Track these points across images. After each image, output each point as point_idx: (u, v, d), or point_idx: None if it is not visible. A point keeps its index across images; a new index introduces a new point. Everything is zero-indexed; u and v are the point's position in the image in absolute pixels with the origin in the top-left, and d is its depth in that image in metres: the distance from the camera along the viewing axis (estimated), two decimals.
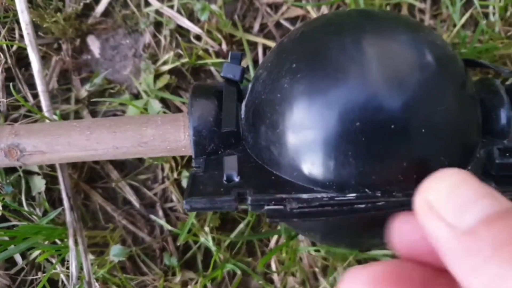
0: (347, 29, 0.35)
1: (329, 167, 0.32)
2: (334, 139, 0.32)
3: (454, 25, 0.53)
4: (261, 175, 0.36)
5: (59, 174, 0.49)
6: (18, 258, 0.51)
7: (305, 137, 0.33)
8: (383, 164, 0.32)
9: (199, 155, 0.39)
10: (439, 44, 0.36)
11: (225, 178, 0.35)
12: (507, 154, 0.33)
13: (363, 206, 0.32)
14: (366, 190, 0.32)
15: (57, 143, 0.42)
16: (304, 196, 0.33)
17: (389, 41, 0.34)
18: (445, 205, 0.23)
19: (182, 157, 0.51)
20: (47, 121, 0.49)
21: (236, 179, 0.35)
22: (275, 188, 0.34)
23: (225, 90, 0.40)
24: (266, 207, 0.33)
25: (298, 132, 0.33)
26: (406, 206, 0.31)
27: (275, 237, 0.51)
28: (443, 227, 0.22)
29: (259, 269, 0.47)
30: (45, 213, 0.51)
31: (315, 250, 0.50)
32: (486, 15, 0.54)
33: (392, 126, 0.31)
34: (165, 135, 0.41)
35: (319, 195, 0.33)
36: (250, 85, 0.40)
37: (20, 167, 0.50)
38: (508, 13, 0.54)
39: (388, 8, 0.53)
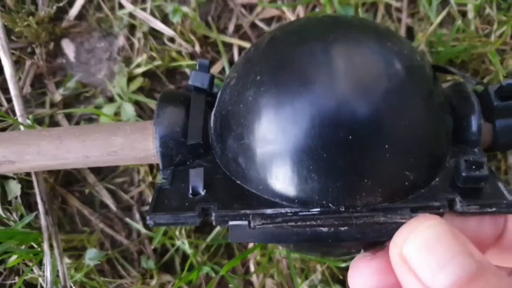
0: (313, 40, 0.34)
1: (293, 182, 0.32)
2: (296, 155, 0.31)
3: (431, 24, 0.52)
4: (228, 188, 0.36)
5: (34, 179, 0.49)
6: None
7: (269, 152, 0.33)
8: (345, 180, 0.32)
9: (167, 166, 0.39)
10: (406, 54, 0.35)
11: (190, 191, 0.35)
12: (473, 166, 0.33)
13: (325, 228, 0.31)
14: (330, 205, 0.32)
15: (27, 152, 0.41)
16: (269, 211, 0.33)
17: (354, 53, 0.33)
18: (420, 263, 0.24)
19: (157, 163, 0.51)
20: (21, 126, 0.49)
21: (202, 192, 0.35)
22: (241, 202, 0.34)
23: (193, 99, 0.39)
24: (230, 223, 0.32)
25: (261, 146, 0.33)
26: (370, 222, 0.32)
27: None
28: (418, 285, 0.23)
29: (224, 272, 0.47)
30: (21, 217, 0.51)
31: (293, 252, 0.50)
32: (463, 14, 0.54)
33: (354, 142, 0.31)
34: (134, 144, 0.41)
35: (283, 210, 0.33)
36: (219, 93, 0.39)
37: None
38: (486, 11, 0.53)
39: (364, 7, 0.53)
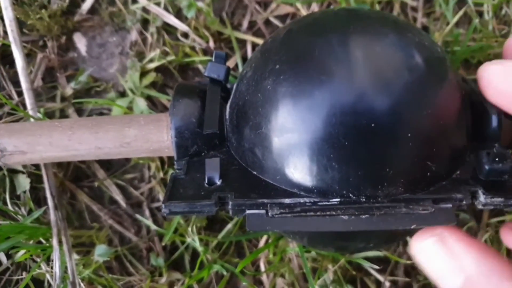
0: (332, 30, 0.34)
1: (312, 171, 0.32)
2: (316, 143, 0.31)
3: (447, 24, 0.52)
4: (244, 178, 0.35)
5: (44, 173, 0.48)
6: (3, 258, 0.51)
7: (287, 141, 0.32)
8: (367, 170, 0.31)
9: (181, 157, 0.38)
10: (427, 45, 0.35)
11: (206, 181, 0.34)
12: (496, 159, 0.33)
13: (345, 216, 0.31)
14: (350, 195, 0.32)
15: (39, 143, 0.41)
16: (287, 201, 0.32)
17: (375, 43, 0.33)
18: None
19: (168, 156, 0.50)
20: (31, 119, 0.48)
21: (218, 182, 0.34)
22: (258, 192, 0.33)
23: (209, 90, 0.39)
24: (247, 212, 0.32)
25: (280, 135, 0.32)
26: (391, 213, 0.31)
27: (265, 237, 0.51)
28: None
29: (239, 270, 0.46)
30: (30, 212, 0.50)
31: (305, 251, 0.49)
32: (480, 14, 0.53)
33: (377, 130, 0.30)
34: (148, 136, 0.40)
35: (302, 200, 0.32)
36: (234, 85, 0.39)
37: (1, 168, 0.49)
38: (503, 12, 0.53)
39: (379, 6, 0.52)
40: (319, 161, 0.31)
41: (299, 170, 0.32)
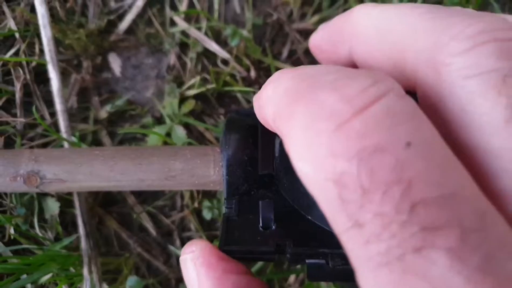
0: None
1: None
2: None
3: None
4: (299, 223, 0.34)
5: (76, 199, 0.47)
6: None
7: None
8: None
9: (232, 195, 0.37)
10: None
11: (261, 225, 0.33)
12: None
13: None
14: None
15: (79, 172, 0.40)
16: None
17: None
18: None
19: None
20: (65, 143, 0.47)
21: (273, 226, 0.33)
22: (316, 240, 0.32)
23: (261, 125, 0.38)
24: (307, 261, 0.31)
25: None
26: None
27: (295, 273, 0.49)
28: None
29: None
30: (57, 236, 0.48)
31: None
32: None
33: None
34: (194, 170, 0.39)
35: None
36: None
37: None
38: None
39: None
40: None
41: None
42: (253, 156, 0.36)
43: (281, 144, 0.37)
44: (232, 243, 0.31)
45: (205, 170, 0.39)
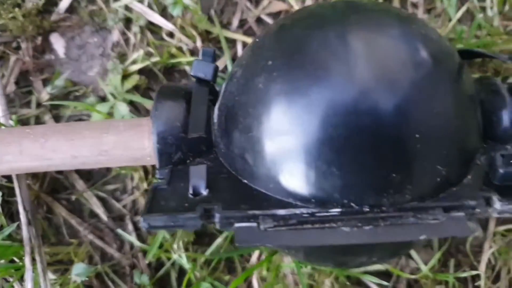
0: (330, 22, 0.31)
1: (310, 178, 0.28)
2: (315, 147, 0.28)
3: (449, 20, 0.49)
4: (233, 188, 0.32)
5: (16, 185, 0.44)
6: None
7: (282, 144, 0.29)
8: (371, 175, 0.28)
9: (164, 165, 0.35)
10: (434, 38, 0.32)
11: (191, 191, 0.31)
12: (511, 161, 0.30)
13: (347, 228, 0.27)
14: (352, 204, 0.28)
15: (7, 152, 0.37)
16: (281, 212, 0.29)
17: (378, 35, 0.30)
18: None
19: (153, 166, 0.46)
20: (3, 127, 0.44)
21: (204, 192, 0.31)
22: (249, 202, 0.30)
23: (194, 90, 0.35)
24: (236, 225, 0.28)
25: (274, 138, 0.29)
26: (398, 223, 0.28)
27: (257, 251, 0.47)
28: None
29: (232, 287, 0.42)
30: (1, 228, 0.46)
31: (301, 266, 0.45)
32: (483, 9, 0.50)
33: (381, 131, 0.27)
34: (128, 143, 0.37)
35: (298, 211, 0.29)
36: (223, 86, 0.35)
37: None
38: (507, 7, 0.50)
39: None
40: (318, 166, 0.28)
41: (295, 177, 0.29)
42: (187, 122, 0.34)
43: (219, 108, 0.35)
44: (155, 211, 0.29)
45: (140, 142, 0.36)
